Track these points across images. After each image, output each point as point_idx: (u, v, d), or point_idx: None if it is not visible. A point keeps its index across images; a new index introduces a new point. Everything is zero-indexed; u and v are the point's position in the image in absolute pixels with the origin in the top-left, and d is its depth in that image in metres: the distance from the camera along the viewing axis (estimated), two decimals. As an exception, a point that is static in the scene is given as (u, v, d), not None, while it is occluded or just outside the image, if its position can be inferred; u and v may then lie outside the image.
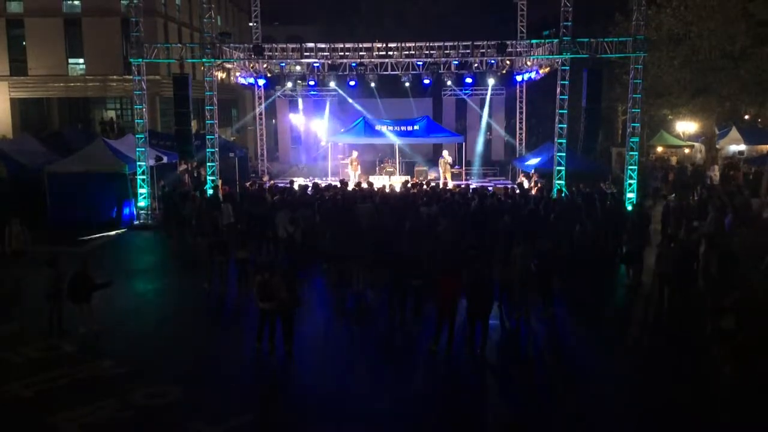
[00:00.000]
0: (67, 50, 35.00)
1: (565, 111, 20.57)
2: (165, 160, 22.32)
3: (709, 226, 15.08)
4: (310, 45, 23.30)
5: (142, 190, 20.62)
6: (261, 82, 28.01)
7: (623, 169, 21.11)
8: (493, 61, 23.54)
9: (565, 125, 20.58)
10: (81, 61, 35.26)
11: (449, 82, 26.93)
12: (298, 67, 24.88)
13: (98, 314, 11.22)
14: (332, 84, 27.49)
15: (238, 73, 26.17)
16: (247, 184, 23.99)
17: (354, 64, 23.37)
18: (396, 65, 23.56)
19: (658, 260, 12.66)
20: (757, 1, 24.00)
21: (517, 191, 20.68)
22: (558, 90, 20.57)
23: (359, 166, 26.72)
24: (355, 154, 27.04)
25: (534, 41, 22.84)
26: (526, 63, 24.71)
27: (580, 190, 20.16)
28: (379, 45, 23.13)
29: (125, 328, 11.68)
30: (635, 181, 20.19)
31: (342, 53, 23.06)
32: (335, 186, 20.81)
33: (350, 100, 30.43)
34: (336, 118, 31.12)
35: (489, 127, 30.75)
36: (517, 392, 9.41)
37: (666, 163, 30.44)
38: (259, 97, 29.72)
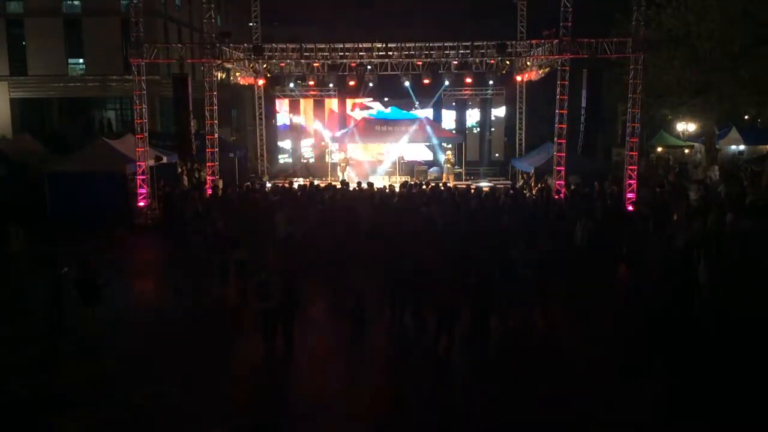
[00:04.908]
0: (67, 50, 34.97)
1: (565, 111, 20.56)
2: (165, 160, 22.32)
3: (711, 225, 15.07)
4: (310, 45, 23.30)
5: (142, 190, 20.62)
6: (261, 82, 28.01)
7: (623, 168, 21.09)
8: (492, 61, 23.55)
9: (565, 125, 20.57)
10: (81, 61, 35.24)
11: (449, 83, 26.94)
12: (297, 68, 24.89)
13: (98, 314, 11.21)
14: (332, 84, 27.50)
15: (238, 73, 26.16)
16: (247, 184, 23.96)
17: (354, 65, 23.39)
18: (396, 65, 23.56)
19: (659, 260, 12.66)
20: (757, 1, 23.97)
21: (512, 191, 20.68)
22: (558, 90, 20.56)
23: (348, 167, 26.72)
24: (343, 155, 27.07)
25: (534, 41, 22.83)
26: (525, 63, 24.70)
27: (579, 190, 20.16)
28: (379, 45, 23.12)
29: (125, 328, 11.67)
30: (635, 181, 20.19)
31: (342, 53, 23.06)
32: (334, 186, 20.82)
33: (350, 101, 30.48)
34: (336, 118, 31.14)
35: (489, 128, 30.78)
36: (517, 393, 9.39)
37: (666, 163, 30.46)
38: (259, 97, 29.72)
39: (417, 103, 29.36)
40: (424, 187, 20.88)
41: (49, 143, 24.65)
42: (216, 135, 22.49)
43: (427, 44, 23.13)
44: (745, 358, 9.58)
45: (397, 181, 24.37)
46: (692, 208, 17.70)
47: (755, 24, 24.42)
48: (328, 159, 28.68)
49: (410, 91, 26.98)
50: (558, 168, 20.69)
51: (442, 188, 20.85)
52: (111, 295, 11.60)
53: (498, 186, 24.93)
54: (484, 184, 25.59)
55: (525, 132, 29.52)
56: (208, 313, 12.80)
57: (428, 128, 27.32)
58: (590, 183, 20.91)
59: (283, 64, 24.51)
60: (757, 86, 26.05)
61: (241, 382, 9.61)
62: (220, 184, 22.46)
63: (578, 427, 8.38)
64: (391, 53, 23.22)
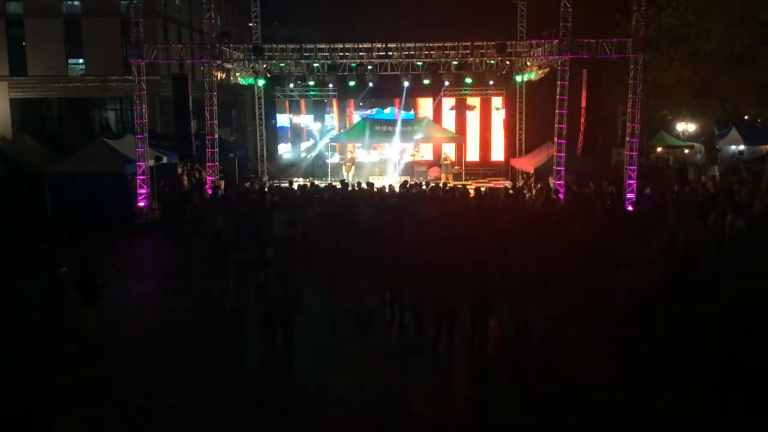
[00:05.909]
0: (67, 50, 34.97)
1: (565, 111, 20.55)
2: (165, 160, 22.33)
3: (711, 227, 15.05)
4: (310, 45, 23.30)
5: (142, 191, 20.62)
6: (261, 82, 28.02)
7: (623, 169, 21.08)
8: (492, 62, 23.54)
9: (565, 125, 20.57)
10: (81, 61, 35.24)
11: (449, 83, 26.95)
12: (297, 68, 24.89)
13: (98, 315, 11.20)
14: (332, 84, 27.52)
15: (237, 74, 26.17)
16: (246, 184, 23.97)
17: (354, 65, 23.38)
18: (396, 65, 23.55)
19: (659, 261, 12.63)
20: (757, 2, 23.94)
21: (512, 192, 20.65)
22: (558, 90, 20.56)
23: (353, 167, 26.70)
24: (349, 155, 27.06)
25: (534, 41, 22.83)
26: (525, 63, 24.70)
27: (579, 190, 20.13)
28: (379, 45, 23.12)
29: (125, 328, 11.66)
30: (635, 181, 20.19)
31: (342, 53, 23.07)
32: (334, 186, 20.80)
33: (350, 101, 30.49)
34: (336, 118, 31.15)
35: (488, 128, 30.80)
36: (516, 394, 9.39)
37: (666, 163, 30.42)
38: (259, 98, 29.73)
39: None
40: (423, 187, 20.88)
41: (49, 143, 24.62)
42: (216, 135, 22.50)
43: (427, 44, 23.13)
44: (745, 358, 9.56)
45: (396, 181, 24.35)
46: (692, 208, 17.66)
47: (756, 25, 24.38)
48: (328, 159, 28.67)
49: (404, 94, 26.90)
50: (558, 168, 20.68)
51: (442, 188, 20.83)
52: (111, 295, 11.59)
53: (498, 186, 24.92)
54: (484, 185, 25.56)
55: (525, 132, 29.52)
56: (208, 313, 12.80)
57: (427, 128, 27.36)
58: (590, 183, 20.89)
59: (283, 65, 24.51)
60: (758, 87, 26.01)
61: (241, 383, 9.60)
62: (222, 184, 22.45)
63: (578, 427, 8.38)
64: (391, 53, 23.23)
